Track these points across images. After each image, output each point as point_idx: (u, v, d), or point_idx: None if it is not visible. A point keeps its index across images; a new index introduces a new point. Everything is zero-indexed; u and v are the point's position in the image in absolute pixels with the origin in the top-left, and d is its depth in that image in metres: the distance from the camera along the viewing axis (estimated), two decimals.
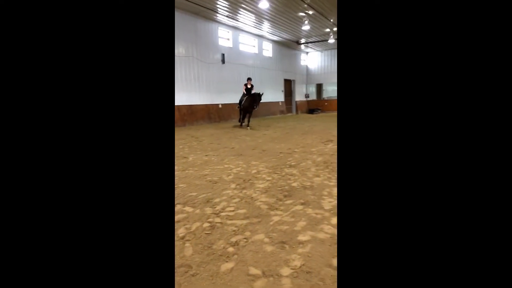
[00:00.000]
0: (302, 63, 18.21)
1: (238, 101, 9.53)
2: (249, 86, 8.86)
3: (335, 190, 2.80)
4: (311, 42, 15.45)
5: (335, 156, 4.43)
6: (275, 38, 14.21)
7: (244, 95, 8.93)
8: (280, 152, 4.87)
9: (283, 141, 6.21)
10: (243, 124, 9.22)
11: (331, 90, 18.27)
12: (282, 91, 16.00)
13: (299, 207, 2.38)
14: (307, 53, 18.32)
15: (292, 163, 4.03)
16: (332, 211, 2.27)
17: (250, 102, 8.65)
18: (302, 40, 15.15)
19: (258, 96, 8.61)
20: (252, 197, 2.65)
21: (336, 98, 17.79)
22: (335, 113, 16.01)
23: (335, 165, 3.87)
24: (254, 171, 3.62)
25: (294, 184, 3.03)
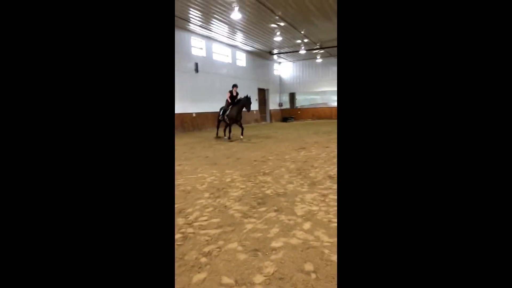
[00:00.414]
0: (275, 72, 18.57)
1: (220, 111, 8.26)
2: (234, 94, 7.89)
3: (307, 196, 2.85)
4: (283, 53, 15.82)
5: (308, 163, 4.52)
6: (248, 48, 14.40)
7: (228, 104, 7.89)
8: (255, 160, 4.89)
9: (258, 149, 6.24)
10: (226, 135, 8.12)
11: (303, 99, 18.74)
12: (256, 100, 16.17)
13: (272, 214, 2.40)
14: (279, 63, 18.73)
15: (266, 171, 4.06)
16: (304, 217, 2.31)
17: (238, 110, 7.62)
18: (275, 51, 15.49)
19: (247, 100, 7.55)
20: (225, 206, 2.63)
21: (308, 106, 18.27)
22: (308, 121, 16.40)
23: (308, 171, 3.95)
24: (228, 180, 3.61)
25: (268, 192, 3.05)
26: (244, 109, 7.69)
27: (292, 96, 19.04)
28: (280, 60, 18.08)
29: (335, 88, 17.00)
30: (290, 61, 18.29)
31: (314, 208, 2.52)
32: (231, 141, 7.74)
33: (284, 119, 17.47)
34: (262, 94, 17.11)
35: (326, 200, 2.73)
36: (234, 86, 8.01)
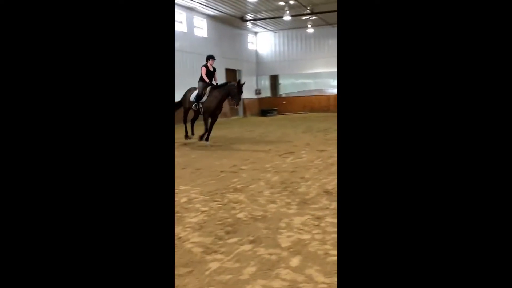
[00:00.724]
0: (250, 46, 18.71)
1: (188, 94, 7.73)
2: (211, 69, 7.57)
3: (296, 220, 2.89)
4: (260, 19, 15.98)
5: (297, 174, 4.59)
6: (211, 12, 14.41)
7: (203, 84, 7.43)
8: (222, 171, 4.90)
9: (226, 155, 6.25)
10: (191, 135, 7.74)
11: (290, 84, 19.00)
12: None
13: (247, 246, 2.41)
14: (255, 33, 18.89)
15: (238, 186, 4.08)
16: (291, 249, 2.34)
17: (220, 99, 7.18)
18: (249, 16, 15.61)
19: (237, 87, 7.10)
20: (180, 237, 2.61)
21: (296, 94, 18.56)
22: (296, 115, 16.66)
23: (296, 186, 4.01)
24: (183, 200, 3.58)
25: (240, 215, 3.07)
26: (231, 100, 7.25)
27: (274, 80, 19.26)
28: (257, 29, 18.26)
29: (334, 69, 17.39)
30: (271, 30, 18.52)
31: (305, 236, 2.56)
32: (187, 141, 7.57)
33: (264, 112, 17.63)
34: (232, 76, 17.14)
35: (322, 224, 2.79)
36: (210, 58, 7.62)
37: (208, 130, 7.37)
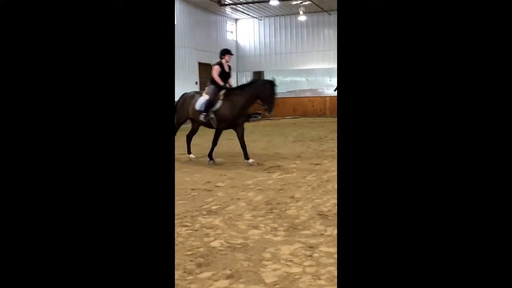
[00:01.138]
0: (229, 36, 18.78)
1: (197, 104, 6.89)
2: (226, 68, 7.06)
3: (283, 249, 2.89)
4: (242, 3, 16.08)
5: (285, 193, 4.62)
6: None
7: (216, 88, 6.83)
8: (193, 189, 4.89)
9: (198, 169, 6.25)
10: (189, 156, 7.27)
11: (277, 83, 19.05)
12: (197, 83, 16.18)
13: (223, 282, 2.41)
14: (235, 20, 18.98)
15: (213, 207, 4.08)
16: (277, 286, 2.34)
17: (243, 105, 6.67)
18: (228, 0, 15.68)
19: (272, 88, 6.58)
20: None
21: (285, 95, 18.66)
22: (285, 120, 16.72)
23: (284, 207, 4.03)
24: None
25: (215, 244, 3.06)
26: (262, 106, 6.71)
27: (258, 78, 19.32)
28: (237, 15, 18.36)
29: (332, 65, 17.58)
30: (254, 17, 18.65)
31: (295, 269, 2.56)
32: (215, 163, 6.77)
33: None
34: (207, 73, 17.15)
35: (315, 255, 2.80)
36: (226, 53, 7.15)
37: (242, 146, 6.81)
